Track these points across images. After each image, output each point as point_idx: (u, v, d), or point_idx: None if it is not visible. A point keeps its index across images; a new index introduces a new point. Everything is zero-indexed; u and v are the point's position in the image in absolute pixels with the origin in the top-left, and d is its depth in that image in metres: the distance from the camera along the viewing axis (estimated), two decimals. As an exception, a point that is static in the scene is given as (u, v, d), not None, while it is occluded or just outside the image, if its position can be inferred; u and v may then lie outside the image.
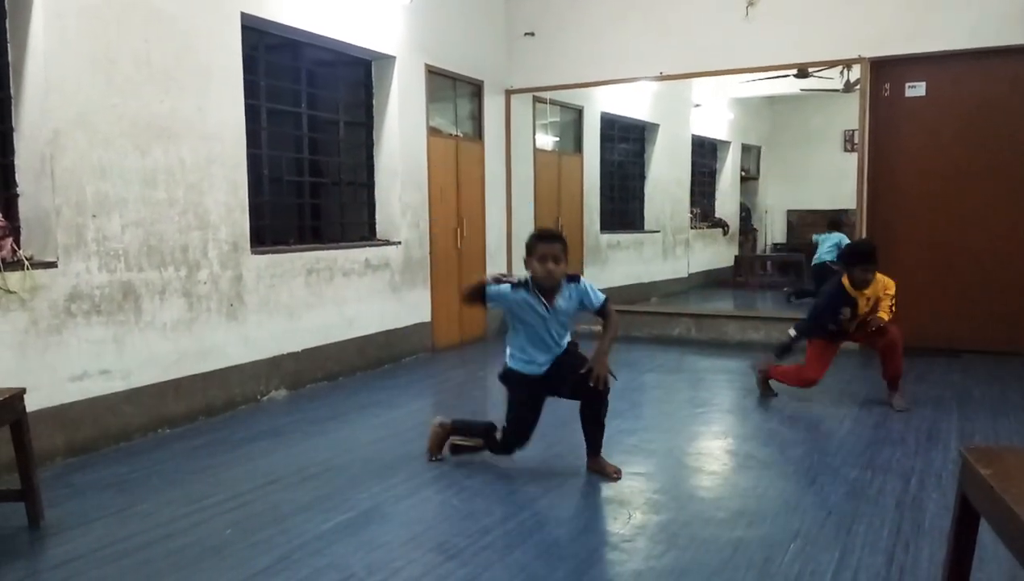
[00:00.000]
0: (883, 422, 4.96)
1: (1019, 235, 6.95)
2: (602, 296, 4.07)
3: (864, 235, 7.30)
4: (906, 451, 4.36)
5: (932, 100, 7.17)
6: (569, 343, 4.12)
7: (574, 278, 4.03)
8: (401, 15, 7.03)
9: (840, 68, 8.09)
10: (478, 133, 8.40)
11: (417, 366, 7.05)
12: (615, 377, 4.04)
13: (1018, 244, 6.96)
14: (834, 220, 9.54)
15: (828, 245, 9.40)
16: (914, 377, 6.19)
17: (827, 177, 11.35)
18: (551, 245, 3.88)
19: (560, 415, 5.41)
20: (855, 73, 7.61)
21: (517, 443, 4.15)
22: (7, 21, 4.28)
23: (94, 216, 4.48)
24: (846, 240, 8.68)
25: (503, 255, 8.80)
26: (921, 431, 4.74)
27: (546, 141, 9.45)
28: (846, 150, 11.00)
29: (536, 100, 9.00)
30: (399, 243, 7.12)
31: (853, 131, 7.94)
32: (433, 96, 7.61)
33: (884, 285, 5.33)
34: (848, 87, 8.48)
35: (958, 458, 2.54)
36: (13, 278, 4.07)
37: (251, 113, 5.68)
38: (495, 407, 5.89)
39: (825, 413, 5.26)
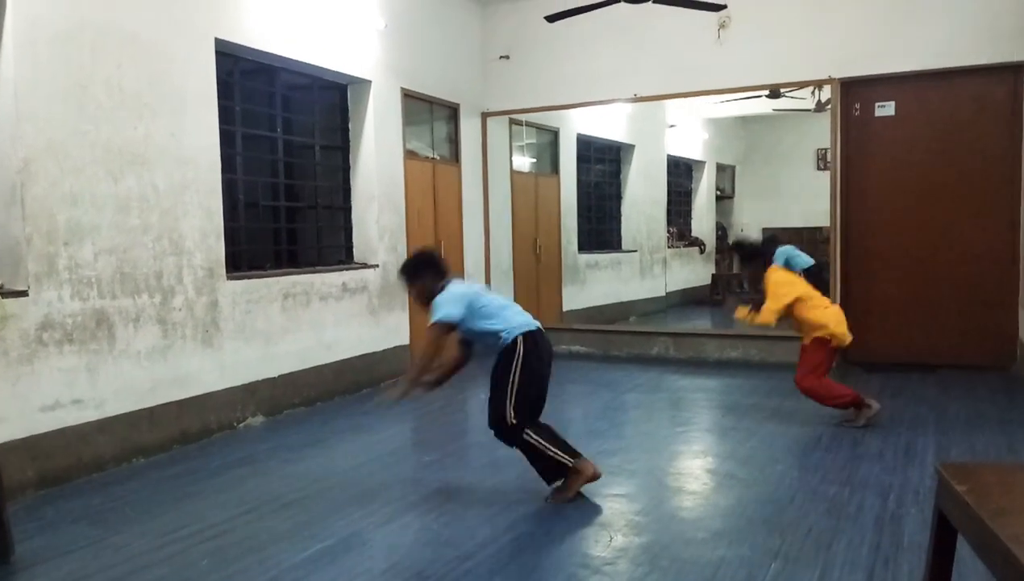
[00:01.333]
0: (861, 439, 4.98)
1: (991, 250, 7.06)
2: (434, 317, 3.97)
3: (838, 251, 7.39)
4: (884, 467, 4.39)
5: (902, 119, 7.29)
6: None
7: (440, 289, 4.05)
8: (376, 39, 7.05)
9: (811, 88, 8.22)
10: (455, 156, 8.42)
11: (396, 390, 6.99)
12: (394, 402, 4.09)
13: (990, 259, 7.06)
14: (771, 238, 9.72)
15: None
16: (890, 392, 6.24)
17: (801, 195, 11.47)
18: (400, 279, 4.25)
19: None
20: (826, 93, 7.72)
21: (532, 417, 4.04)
22: (-23, 48, 4.25)
23: (66, 244, 4.43)
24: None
25: (481, 276, 8.79)
26: (899, 447, 4.77)
27: (523, 163, 9.50)
28: (819, 168, 11.15)
29: (512, 122, 9.05)
30: (377, 266, 7.10)
31: (825, 150, 8.06)
32: (409, 119, 7.62)
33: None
34: (820, 107, 8.60)
35: (935, 474, 2.56)
36: (-17, 308, 4.00)
37: (226, 138, 5.66)
38: (474, 431, 5.87)
39: (803, 431, 5.28)
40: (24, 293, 4.23)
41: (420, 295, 4.17)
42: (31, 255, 4.26)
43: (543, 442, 3.95)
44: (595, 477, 4.00)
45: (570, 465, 3.95)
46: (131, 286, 4.81)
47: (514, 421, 3.93)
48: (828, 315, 5.35)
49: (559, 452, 3.95)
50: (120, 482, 4.45)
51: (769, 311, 5.32)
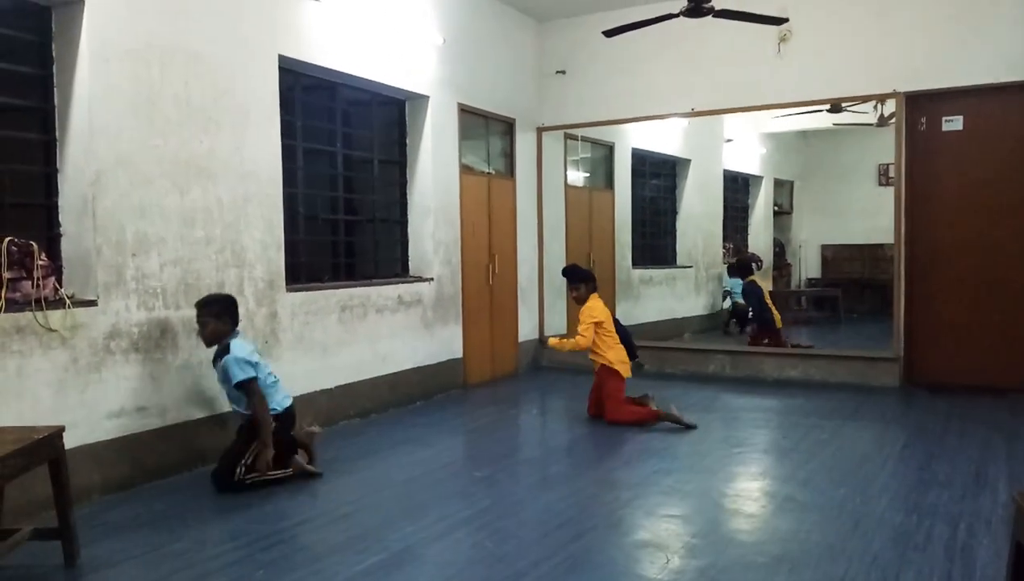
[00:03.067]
0: (927, 464, 4.82)
1: (1064, 270, 6.79)
2: (238, 378, 4.47)
3: (903, 269, 7.21)
4: (953, 495, 4.23)
5: (970, 134, 7.08)
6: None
7: (227, 348, 4.54)
8: (434, 55, 7.13)
9: (874, 102, 8.04)
10: (510, 170, 8.45)
11: (449, 403, 7.02)
12: (269, 464, 4.50)
13: (1063, 280, 6.79)
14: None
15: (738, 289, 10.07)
16: (958, 415, 6.04)
17: (862, 211, 11.25)
18: (196, 311, 4.62)
19: (593, 456, 5.36)
20: (889, 107, 7.55)
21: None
22: (54, 66, 4.40)
23: (134, 255, 4.55)
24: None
25: (535, 291, 8.79)
26: (968, 473, 4.60)
27: (577, 177, 9.48)
28: (880, 184, 10.93)
29: (567, 137, 9.05)
30: (431, 279, 7.14)
31: (888, 165, 7.89)
32: (465, 134, 7.68)
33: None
34: (882, 121, 8.42)
35: (1010, 503, 2.45)
36: (55, 317, 4.13)
37: (287, 152, 5.76)
38: (526, 447, 5.85)
39: (866, 454, 5.14)
40: (94, 303, 4.35)
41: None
42: (100, 265, 4.38)
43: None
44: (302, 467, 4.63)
45: (291, 474, 4.59)
46: (194, 296, 4.90)
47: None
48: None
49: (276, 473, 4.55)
50: (181, 489, 4.54)
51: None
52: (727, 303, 10.81)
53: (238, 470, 4.44)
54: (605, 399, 6.04)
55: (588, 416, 6.18)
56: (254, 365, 4.50)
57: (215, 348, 4.63)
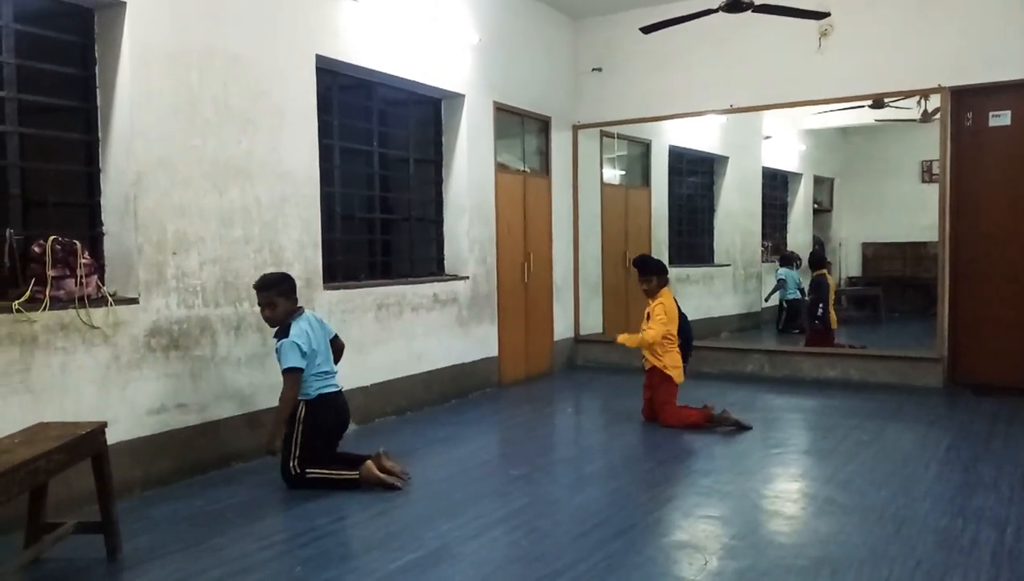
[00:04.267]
0: (972, 466, 4.71)
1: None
2: (286, 365, 4.43)
3: (947, 268, 7.05)
4: (999, 498, 4.12)
5: (1018, 129, 6.89)
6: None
7: (286, 329, 4.47)
8: (470, 54, 7.13)
9: (917, 98, 7.87)
10: (545, 168, 8.42)
11: (484, 401, 7.02)
12: (273, 452, 4.49)
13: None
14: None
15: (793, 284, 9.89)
16: (1005, 418, 5.89)
17: (904, 209, 11.03)
18: (259, 294, 4.53)
19: (629, 455, 5.32)
20: (933, 102, 7.39)
21: None
22: (96, 68, 4.48)
23: (174, 253, 4.61)
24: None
25: (569, 289, 8.75)
26: (1016, 477, 4.48)
27: (613, 175, 9.42)
28: (924, 181, 10.70)
29: (603, 134, 9.00)
30: (467, 278, 7.15)
31: (931, 161, 7.74)
32: (501, 132, 7.67)
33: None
34: (926, 117, 8.24)
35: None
36: (97, 314, 4.20)
37: (324, 152, 5.80)
38: (562, 446, 5.82)
39: (909, 456, 5.03)
40: (135, 301, 4.42)
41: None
42: (142, 264, 4.45)
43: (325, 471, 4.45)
44: (382, 469, 4.41)
45: (357, 479, 4.39)
46: (233, 295, 4.97)
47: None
48: None
49: (343, 472, 4.43)
50: (220, 485, 4.59)
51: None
52: (775, 298, 10.40)
53: (291, 463, 4.44)
54: (659, 406, 5.91)
55: (643, 419, 6.04)
56: (306, 355, 4.45)
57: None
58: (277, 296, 4.51)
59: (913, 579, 3.16)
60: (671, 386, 5.92)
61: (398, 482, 4.42)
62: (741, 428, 5.69)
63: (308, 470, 4.43)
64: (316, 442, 4.51)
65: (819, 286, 8.82)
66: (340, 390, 4.70)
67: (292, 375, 4.43)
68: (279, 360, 4.47)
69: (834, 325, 8.68)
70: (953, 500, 4.13)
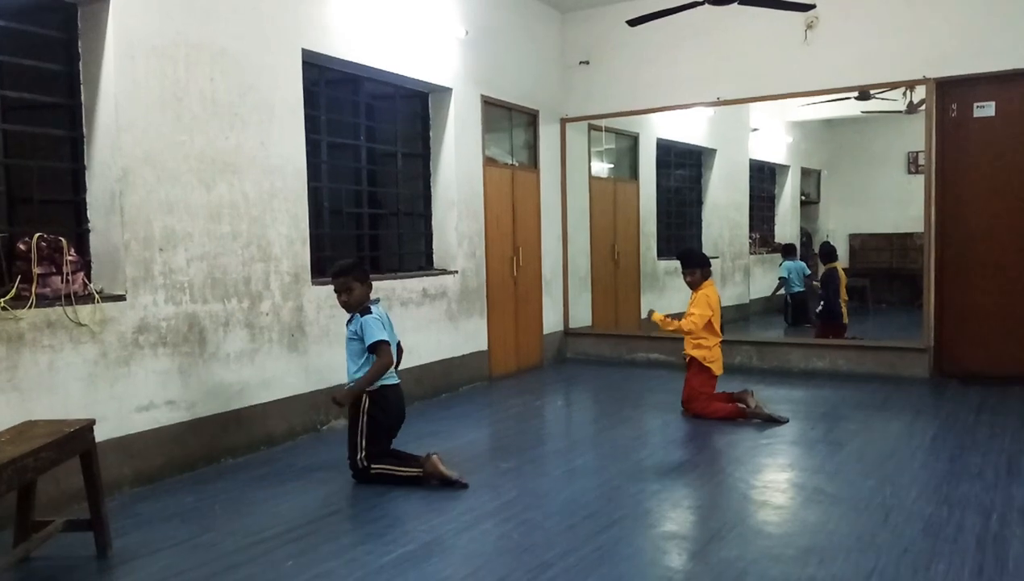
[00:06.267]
0: (958, 454, 4.75)
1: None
2: (375, 338, 4.39)
3: (932, 258, 7.10)
4: (985, 485, 4.17)
5: (1003, 120, 6.94)
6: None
7: (367, 309, 4.45)
8: (457, 48, 7.11)
9: (903, 89, 7.91)
10: (533, 162, 8.43)
11: (475, 395, 7.03)
12: (340, 404, 4.46)
13: (1098, 267, 6.65)
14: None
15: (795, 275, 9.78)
16: (991, 407, 5.95)
17: (890, 200, 11.07)
18: (335, 281, 4.53)
19: (619, 447, 5.34)
20: (919, 94, 7.42)
21: None
22: (80, 63, 4.45)
23: (161, 250, 4.60)
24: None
25: (559, 283, 8.77)
26: (1000, 464, 4.53)
27: (601, 168, 9.43)
28: (910, 172, 10.74)
29: (591, 128, 9.00)
30: (456, 272, 7.15)
31: (917, 153, 7.78)
32: (489, 126, 7.66)
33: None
34: (911, 108, 8.27)
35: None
36: (84, 311, 4.18)
37: (312, 147, 5.79)
38: (552, 438, 5.84)
39: (896, 445, 5.07)
40: (122, 297, 4.40)
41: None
42: (129, 261, 4.43)
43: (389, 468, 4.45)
44: (440, 471, 4.36)
45: (421, 476, 4.36)
46: (221, 291, 4.95)
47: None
48: None
49: (407, 469, 4.42)
50: (210, 481, 4.58)
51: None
52: (782, 290, 10.18)
53: (359, 457, 4.44)
54: (691, 393, 5.91)
55: (683, 412, 6.00)
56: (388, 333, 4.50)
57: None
58: (354, 281, 4.49)
59: (900, 567, 3.19)
60: (708, 377, 5.95)
61: (463, 478, 4.37)
62: (774, 422, 5.64)
63: (374, 465, 4.42)
64: (381, 435, 4.51)
65: (831, 280, 8.77)
66: (399, 383, 4.66)
67: (382, 346, 4.40)
68: (362, 338, 4.41)
69: (845, 319, 8.62)
70: (939, 488, 4.17)
